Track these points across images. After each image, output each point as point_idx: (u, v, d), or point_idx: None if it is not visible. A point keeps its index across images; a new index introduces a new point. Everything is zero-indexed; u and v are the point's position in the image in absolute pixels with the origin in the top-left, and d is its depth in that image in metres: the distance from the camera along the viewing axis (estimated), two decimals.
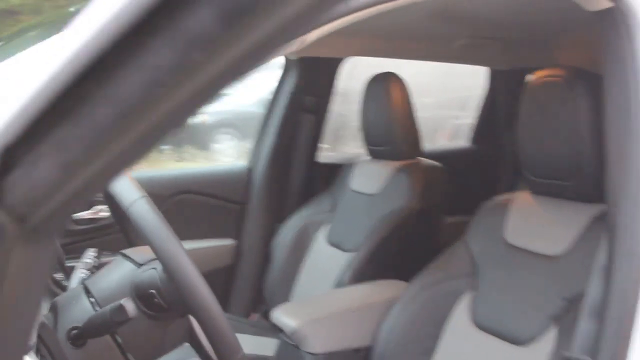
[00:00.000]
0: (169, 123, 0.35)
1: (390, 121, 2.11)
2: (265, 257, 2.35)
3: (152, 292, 1.02)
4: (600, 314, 1.16)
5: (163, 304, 1.02)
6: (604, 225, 1.35)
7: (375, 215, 2.05)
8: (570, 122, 1.42)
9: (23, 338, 0.43)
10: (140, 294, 1.04)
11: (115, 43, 0.32)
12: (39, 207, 0.37)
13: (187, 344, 1.13)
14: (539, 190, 1.57)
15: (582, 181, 1.43)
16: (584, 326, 1.20)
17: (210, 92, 0.34)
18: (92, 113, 0.33)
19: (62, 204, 0.38)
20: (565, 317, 1.37)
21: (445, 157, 2.39)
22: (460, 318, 1.59)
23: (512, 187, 2.17)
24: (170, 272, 0.94)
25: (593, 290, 1.20)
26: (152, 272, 1.04)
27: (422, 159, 2.18)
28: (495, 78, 2.85)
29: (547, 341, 1.38)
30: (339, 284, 1.97)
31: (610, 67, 1.20)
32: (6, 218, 0.36)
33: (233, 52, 0.32)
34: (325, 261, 2.13)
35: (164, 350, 1.09)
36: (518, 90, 2.41)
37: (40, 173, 0.35)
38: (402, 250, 2.04)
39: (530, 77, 1.55)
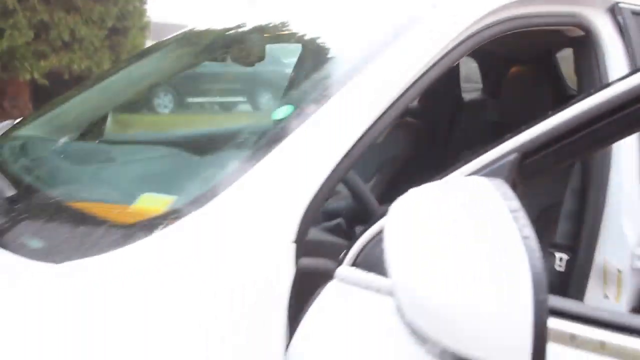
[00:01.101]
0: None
1: None
2: None
3: None
4: (573, 218, 1.90)
5: None
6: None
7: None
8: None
9: None
10: None
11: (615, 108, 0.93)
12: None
13: None
14: None
15: None
16: (562, 226, 1.94)
17: None
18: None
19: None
20: (538, 220, 2.13)
21: None
22: None
23: None
24: None
25: (568, 203, 1.94)
26: None
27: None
28: None
29: None
30: None
31: (581, 80, 1.88)
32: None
33: None
34: None
35: None
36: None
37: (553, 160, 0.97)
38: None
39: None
